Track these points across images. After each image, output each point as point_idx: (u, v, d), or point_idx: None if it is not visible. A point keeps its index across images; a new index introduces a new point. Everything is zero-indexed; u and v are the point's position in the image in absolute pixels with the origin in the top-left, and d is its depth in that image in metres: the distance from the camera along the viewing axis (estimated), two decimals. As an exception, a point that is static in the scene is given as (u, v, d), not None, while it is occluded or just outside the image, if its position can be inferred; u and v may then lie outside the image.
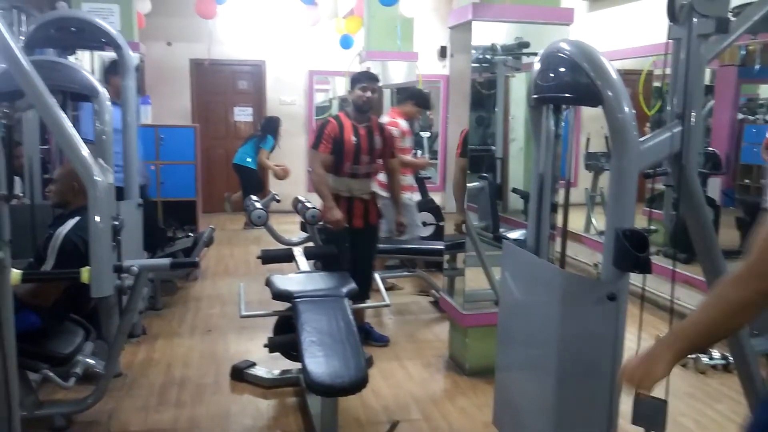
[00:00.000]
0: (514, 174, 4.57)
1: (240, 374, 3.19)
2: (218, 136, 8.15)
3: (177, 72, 7.87)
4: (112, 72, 4.19)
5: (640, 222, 4.44)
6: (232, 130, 8.31)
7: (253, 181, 7.00)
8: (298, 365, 3.01)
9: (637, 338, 2.00)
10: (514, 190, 4.33)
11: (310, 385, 2.34)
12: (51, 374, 2.54)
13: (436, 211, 5.30)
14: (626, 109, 1.89)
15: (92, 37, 3.66)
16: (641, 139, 1.95)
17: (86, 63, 4.79)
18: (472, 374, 3.28)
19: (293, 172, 7.43)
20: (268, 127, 7.15)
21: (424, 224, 5.15)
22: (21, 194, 3.37)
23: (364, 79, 3.59)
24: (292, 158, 7.87)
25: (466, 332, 3.30)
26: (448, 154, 3.82)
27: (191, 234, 4.87)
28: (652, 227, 4.76)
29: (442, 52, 7.78)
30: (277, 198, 4.45)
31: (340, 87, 8.69)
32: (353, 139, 3.49)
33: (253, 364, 3.25)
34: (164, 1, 7.34)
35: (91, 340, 2.83)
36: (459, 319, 3.34)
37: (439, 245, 4.16)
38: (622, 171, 1.93)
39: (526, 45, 3.63)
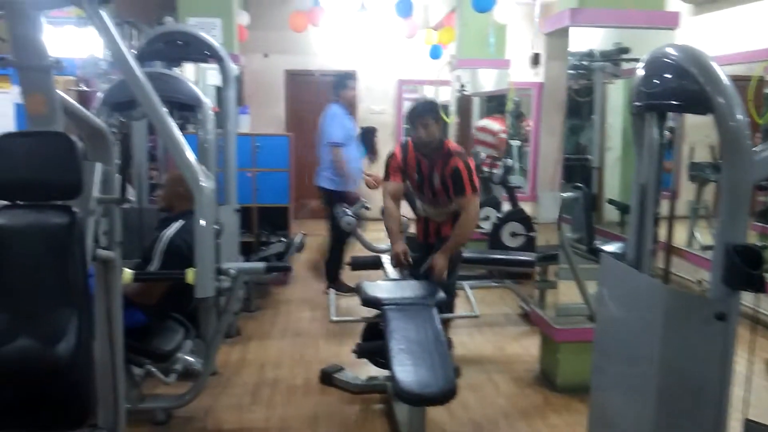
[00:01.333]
0: (610, 184, 4.40)
1: (329, 378, 3.25)
2: (310, 145, 8.34)
3: (272, 82, 8.17)
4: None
5: (751, 238, 4.12)
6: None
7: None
8: (385, 372, 3.02)
9: (748, 361, 1.85)
10: (611, 201, 4.15)
11: (399, 393, 2.33)
12: (154, 369, 2.69)
13: (525, 221, 5.17)
14: (739, 117, 1.76)
15: (197, 50, 3.86)
16: (754, 149, 1.81)
17: (190, 74, 5.07)
18: (564, 391, 3.16)
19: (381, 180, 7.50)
20: (363, 138, 7.27)
21: (513, 235, 5.04)
22: (132, 198, 3.59)
23: (419, 114, 3.22)
24: (381, 166, 7.93)
25: (558, 347, 3.19)
26: (539, 163, 3.72)
27: (283, 239, 5.02)
28: (765, 243, 4.42)
29: (535, 59, 7.61)
30: (367, 205, 4.51)
31: (429, 95, 8.71)
32: (415, 175, 3.33)
33: (342, 369, 3.29)
34: (261, 15, 7.65)
35: (190, 338, 2.97)
36: (551, 333, 3.23)
37: (530, 256, 4.05)
38: (735, 183, 1.80)
39: (626, 50, 3.48)
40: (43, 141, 1.83)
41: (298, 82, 8.22)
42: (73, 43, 5.78)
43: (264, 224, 5.33)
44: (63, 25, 5.74)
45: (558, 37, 3.24)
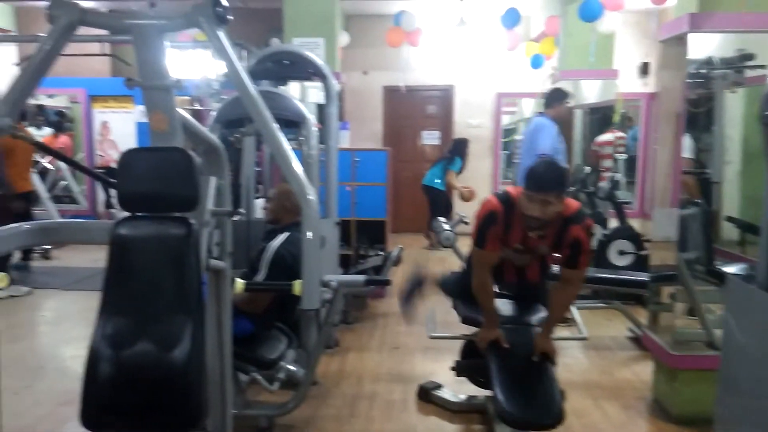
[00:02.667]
0: (729, 200, 4.08)
1: (426, 395, 3.20)
2: (406, 159, 8.42)
3: (371, 99, 8.32)
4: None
5: None
6: (419, 153, 8.56)
7: (441, 202, 7.11)
8: (486, 392, 2.93)
9: None
10: (730, 219, 3.84)
11: (501, 416, 2.26)
12: (259, 377, 2.77)
13: (635, 239, 4.90)
14: None
15: (302, 69, 4.00)
16: None
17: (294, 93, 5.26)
18: (681, 422, 2.93)
19: (479, 194, 7.41)
20: (457, 149, 7.24)
21: (621, 253, 4.79)
22: (242, 211, 3.74)
23: (542, 188, 2.45)
24: (477, 181, 7.87)
25: (674, 375, 2.97)
26: (647, 176, 3.50)
27: (381, 253, 5.05)
28: None
29: (644, 69, 7.26)
30: (465, 220, 4.45)
31: (528, 108, 8.53)
32: (517, 246, 2.69)
33: (440, 386, 3.24)
34: (361, 33, 7.83)
35: (292, 348, 3.04)
36: (666, 359, 3.01)
37: (643, 276, 3.82)
38: None
39: (750, 57, 3.22)
40: (165, 156, 1.94)
41: (395, 97, 8.33)
42: (188, 65, 6.18)
43: (362, 238, 5.40)
44: (180, 48, 6.15)
45: (674, 44, 3.06)
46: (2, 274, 1.73)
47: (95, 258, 6.18)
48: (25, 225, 2.44)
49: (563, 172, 2.60)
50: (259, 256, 2.94)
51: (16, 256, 5.79)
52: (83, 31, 1.96)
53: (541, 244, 2.64)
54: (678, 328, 3.02)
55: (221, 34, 1.82)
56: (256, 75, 4.00)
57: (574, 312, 3.18)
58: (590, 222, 2.66)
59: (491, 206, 2.62)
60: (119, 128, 8.30)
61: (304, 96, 5.25)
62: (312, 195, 1.81)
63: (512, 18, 6.49)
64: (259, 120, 1.85)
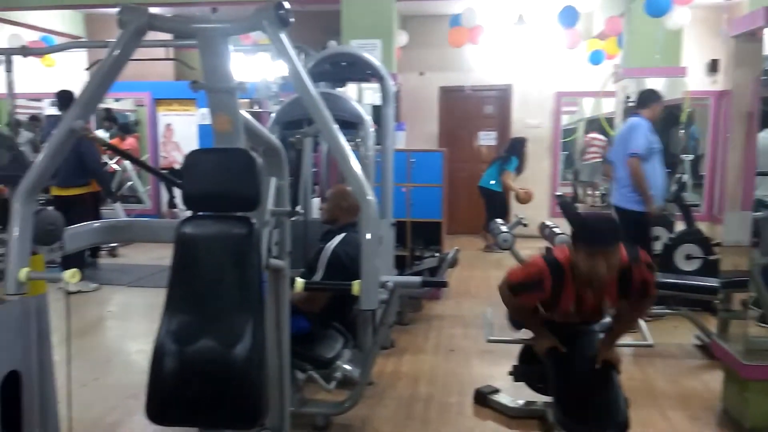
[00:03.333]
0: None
1: (483, 399, 3.16)
2: (462, 160, 8.35)
3: (427, 99, 8.29)
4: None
5: None
6: (475, 153, 8.47)
7: (498, 203, 7.01)
8: (545, 398, 2.87)
9: None
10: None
11: (562, 424, 2.20)
12: (316, 375, 2.80)
13: (703, 243, 4.69)
14: None
15: (360, 70, 4.02)
16: None
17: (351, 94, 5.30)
18: (753, 435, 2.79)
19: (536, 195, 7.27)
20: (513, 149, 7.12)
21: (689, 258, 4.59)
22: (301, 211, 3.76)
23: (600, 243, 2.28)
24: (536, 182, 7.73)
25: (746, 385, 2.82)
26: (715, 178, 3.34)
27: (436, 254, 5.03)
28: None
29: (712, 66, 6.96)
30: (524, 222, 4.37)
31: (588, 107, 8.32)
32: (571, 307, 2.52)
33: (497, 390, 3.19)
34: (419, 34, 7.82)
35: (348, 347, 3.06)
36: (737, 369, 2.87)
37: (712, 282, 3.65)
38: None
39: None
40: (228, 157, 1.98)
41: (452, 98, 8.27)
42: (248, 68, 6.32)
43: (417, 239, 5.39)
44: (241, 52, 6.29)
45: (747, 40, 2.91)
46: (75, 269, 1.80)
47: (159, 256, 6.42)
48: (96, 223, 2.55)
49: (615, 221, 2.48)
50: (316, 256, 2.97)
51: (85, 253, 6.06)
52: (150, 36, 2.03)
53: (604, 299, 2.47)
54: (750, 336, 2.88)
55: (283, 37, 1.84)
56: (314, 77, 4.01)
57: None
58: (645, 254, 2.46)
59: (539, 273, 2.42)
60: (182, 130, 8.58)
61: (360, 97, 5.28)
62: (371, 196, 1.81)
63: (570, 16, 6.35)
64: (320, 121, 1.86)
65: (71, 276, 1.77)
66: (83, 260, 5.50)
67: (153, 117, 8.56)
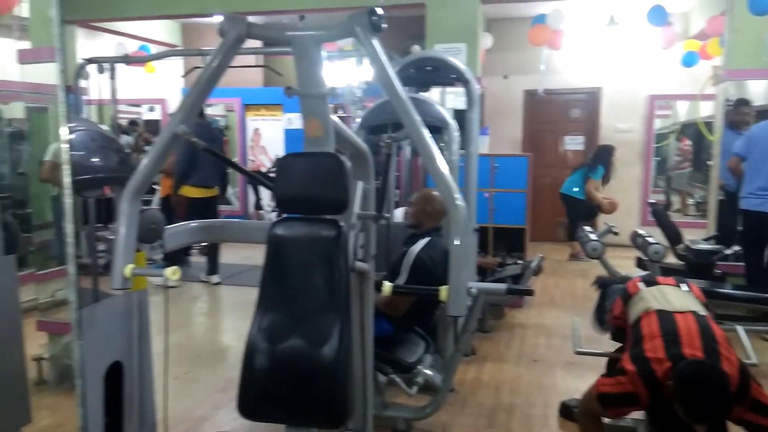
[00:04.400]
0: None
1: (569, 412, 3.05)
2: (547, 165, 8.15)
3: (511, 103, 8.15)
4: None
5: None
6: (560, 158, 8.24)
7: (580, 211, 6.78)
8: (635, 413, 2.73)
9: None
10: None
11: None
12: (398, 379, 2.80)
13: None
14: None
15: (444, 74, 4.01)
16: None
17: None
18: None
19: (627, 203, 6.99)
20: (600, 157, 6.87)
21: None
22: (387, 215, 3.78)
23: (696, 417, 1.97)
24: (626, 189, 7.43)
25: None
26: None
27: (519, 261, 4.92)
28: None
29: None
30: (615, 230, 4.20)
31: (683, 111, 7.91)
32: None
33: (583, 404, 3.07)
34: (502, 37, 7.70)
35: (430, 352, 3.05)
36: None
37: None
38: None
39: None
40: (319, 161, 2.02)
41: (536, 102, 8.09)
42: (333, 74, 6.44)
43: (499, 245, 5.30)
44: (328, 59, 6.41)
45: None
46: (175, 267, 1.90)
47: (247, 255, 6.66)
48: (193, 223, 2.68)
49: (725, 381, 1.97)
50: (399, 260, 2.98)
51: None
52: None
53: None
54: None
55: (375, 43, 1.86)
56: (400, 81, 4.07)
57: (742, 335, 2.88)
58: (756, 386, 2.10)
59: (633, 388, 2.09)
60: (269, 135, 8.87)
61: (443, 101, 5.26)
62: (460, 200, 1.80)
63: (659, 16, 6.06)
64: (410, 125, 1.87)
65: (172, 273, 1.86)
66: (181, 257, 5.82)
67: (242, 122, 8.90)
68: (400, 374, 2.83)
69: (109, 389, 2.16)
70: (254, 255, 6.88)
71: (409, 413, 2.90)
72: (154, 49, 7.75)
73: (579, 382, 3.42)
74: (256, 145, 9.02)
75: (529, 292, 2.91)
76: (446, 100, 5.41)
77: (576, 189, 6.82)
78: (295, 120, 8.60)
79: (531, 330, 4.46)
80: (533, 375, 3.64)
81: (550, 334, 4.35)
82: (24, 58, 3.42)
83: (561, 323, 4.54)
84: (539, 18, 6.66)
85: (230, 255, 6.94)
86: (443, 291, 1.81)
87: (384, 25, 1.87)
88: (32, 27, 3.78)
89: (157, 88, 8.44)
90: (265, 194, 8.77)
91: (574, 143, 8.13)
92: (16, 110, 5.03)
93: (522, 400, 3.29)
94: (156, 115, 8.88)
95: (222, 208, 8.41)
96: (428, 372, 2.87)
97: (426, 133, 1.86)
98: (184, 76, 8.27)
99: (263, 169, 8.44)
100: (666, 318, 2.29)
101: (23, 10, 4.51)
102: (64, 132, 1.77)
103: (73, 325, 1.87)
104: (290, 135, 8.58)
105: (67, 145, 1.70)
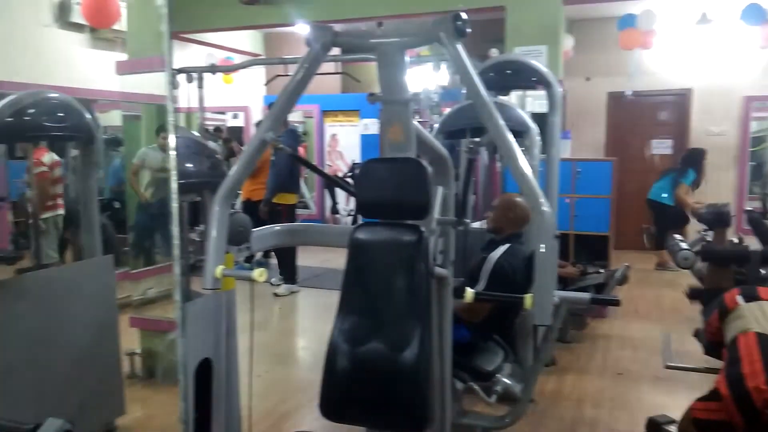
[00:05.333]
0: None
1: (657, 429, 2.91)
2: (632, 170, 7.82)
3: (593, 106, 7.90)
4: None
5: None
6: (647, 163, 7.89)
7: (668, 218, 6.47)
8: None
9: None
10: None
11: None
12: (476, 387, 2.76)
13: None
14: None
15: (525, 78, 3.93)
16: None
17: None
18: None
19: (719, 210, 6.58)
20: (690, 160, 6.53)
21: None
22: (468, 221, 3.74)
23: None
24: (718, 195, 7.00)
25: None
26: None
27: (601, 270, 4.75)
28: None
29: None
30: (708, 238, 3.97)
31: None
32: None
33: (674, 421, 2.92)
34: (586, 38, 7.48)
35: (509, 361, 2.99)
36: None
37: None
38: None
39: None
40: (401, 166, 2.03)
41: (621, 104, 7.80)
42: (411, 80, 6.46)
43: (580, 253, 5.13)
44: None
45: None
46: (262, 269, 1.96)
47: (325, 259, 6.79)
48: (277, 227, 2.75)
49: None
50: (478, 266, 2.94)
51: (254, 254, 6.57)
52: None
53: None
54: None
55: (459, 48, 1.85)
56: (479, 86, 4.03)
57: None
58: None
59: (727, 416, 1.93)
60: (345, 140, 9.02)
61: (522, 105, 5.16)
62: (547, 207, 1.75)
63: (755, 14, 5.70)
64: (495, 130, 1.84)
65: (259, 275, 1.92)
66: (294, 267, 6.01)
67: (320, 128, 9.09)
68: (479, 382, 2.80)
69: (197, 385, 2.26)
70: (332, 258, 7.05)
71: (488, 422, 2.86)
72: (238, 59, 8.06)
73: (668, 399, 3.27)
74: (333, 150, 9.19)
75: (616, 302, 2.80)
76: (526, 103, 5.31)
77: (665, 195, 6.51)
78: (371, 125, 8.70)
79: (615, 341, 4.29)
80: (618, 389, 3.50)
81: (636, 346, 4.17)
82: (121, 69, 3.63)
83: (647, 335, 4.35)
84: (626, 19, 6.42)
85: (309, 258, 7.10)
86: (528, 299, 1.77)
87: (468, 30, 1.85)
88: (129, 40, 4.00)
89: (240, 96, 8.76)
90: (341, 198, 8.93)
91: (661, 147, 7.76)
92: (114, 118, 5.36)
93: (606, 414, 3.17)
94: (239, 122, 9.21)
95: (299, 212, 8.64)
96: (507, 381, 2.82)
97: (511, 138, 1.83)
98: (266, 84, 8.55)
99: (340, 174, 8.59)
100: (767, 342, 2.12)
101: (121, 24, 4.82)
102: (172, 141, 1.86)
103: (177, 322, 1.96)
104: (366, 140, 8.69)
105: (174, 153, 1.78)
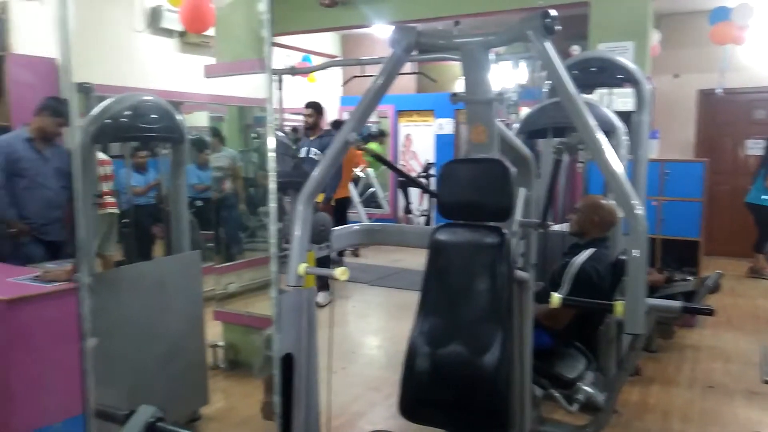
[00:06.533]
0: None
1: (753, 448, 2.74)
2: (724, 172, 7.39)
3: (682, 104, 7.52)
4: None
5: None
6: (741, 164, 7.42)
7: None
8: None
9: None
10: None
11: None
12: (557, 395, 2.69)
13: None
14: None
15: (610, 75, 3.79)
16: None
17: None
18: None
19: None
20: None
21: None
22: (551, 223, 3.63)
23: None
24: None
25: None
26: None
27: (690, 277, 4.51)
28: None
29: None
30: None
31: None
32: None
33: (771, 441, 2.74)
34: (674, 33, 7.14)
35: (591, 369, 2.88)
36: None
37: None
38: None
39: None
40: (484, 167, 2.00)
41: (713, 102, 7.37)
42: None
43: (668, 259, 4.90)
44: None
45: None
46: (344, 268, 1.98)
47: (396, 259, 6.81)
48: (356, 226, 2.78)
49: None
50: (560, 270, 2.86)
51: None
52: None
53: None
54: None
55: (548, 45, 1.81)
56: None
57: None
58: None
59: None
60: (420, 140, 9.01)
61: (608, 104, 4.98)
62: (640, 209, 1.68)
63: None
64: (584, 129, 1.78)
65: (341, 273, 1.94)
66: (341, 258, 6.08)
67: (395, 128, 9.12)
68: (560, 389, 2.72)
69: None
70: (402, 258, 7.07)
71: (569, 431, 2.77)
72: (315, 60, 8.21)
73: (763, 415, 3.07)
74: (407, 150, 9.19)
75: (709, 312, 2.65)
76: (612, 102, 5.12)
77: (765, 197, 6.08)
78: (446, 125, 8.66)
79: (704, 353, 4.06)
80: (708, 402, 3.31)
81: (728, 358, 3.93)
82: (210, 72, 3.77)
83: (741, 347, 4.10)
84: (718, 12, 6.07)
85: (380, 258, 7.16)
86: (618, 306, 1.70)
87: (558, 27, 1.80)
88: (218, 44, 4.16)
89: (317, 97, 8.91)
90: (415, 198, 8.93)
91: (757, 147, 7.28)
92: (196, 119, 5.58)
93: (695, 429, 3.01)
94: (316, 123, 9.37)
95: (372, 211, 8.69)
96: (590, 389, 2.73)
97: (602, 137, 1.76)
98: (343, 85, 8.67)
99: (413, 174, 8.59)
100: None
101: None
102: (271, 142, 1.90)
103: (273, 318, 2.01)
104: (441, 140, 8.65)
105: (274, 153, 1.83)
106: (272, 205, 1.78)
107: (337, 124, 6.96)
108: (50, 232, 3.66)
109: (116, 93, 3.01)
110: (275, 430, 2.11)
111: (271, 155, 1.80)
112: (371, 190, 8.80)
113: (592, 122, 1.77)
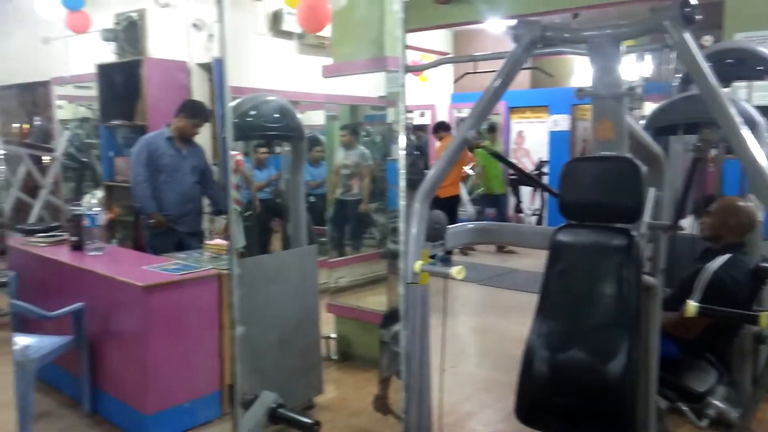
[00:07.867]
0: None
1: None
2: None
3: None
4: None
5: None
6: None
7: None
8: None
9: None
10: None
11: None
12: (686, 409, 2.52)
13: None
14: None
15: (750, 67, 3.50)
16: None
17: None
18: None
19: None
20: None
21: None
22: (684, 227, 3.41)
23: None
24: None
25: None
26: None
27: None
28: None
29: None
30: None
31: None
32: None
33: None
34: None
35: (722, 384, 2.68)
36: None
37: None
38: None
39: None
40: (611, 166, 1.91)
41: None
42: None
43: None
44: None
45: None
46: (461, 266, 1.96)
47: (503, 258, 6.68)
48: (470, 224, 2.76)
49: None
50: (692, 277, 2.67)
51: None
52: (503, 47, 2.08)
53: None
54: None
55: (687, 36, 1.69)
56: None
57: None
58: None
59: None
60: (532, 137, 8.77)
61: (749, 98, 4.60)
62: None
63: None
64: (727, 125, 1.65)
65: (458, 272, 1.93)
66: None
67: (507, 124, 8.94)
68: (687, 403, 2.55)
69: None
70: (510, 258, 6.92)
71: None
72: (426, 57, 8.22)
73: None
74: (519, 147, 8.98)
75: None
76: (752, 96, 4.71)
77: None
78: (561, 122, 8.36)
79: None
80: None
81: None
82: (327, 72, 3.88)
83: None
84: None
85: (488, 258, 7.06)
86: (764, 318, 1.56)
87: (699, 17, 1.68)
88: (334, 44, 4.27)
89: (428, 95, 8.93)
90: (526, 197, 8.71)
91: None
92: (317, 118, 5.77)
93: None
94: (425, 120, 9.39)
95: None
96: (721, 405, 2.53)
97: (747, 134, 1.63)
98: (455, 82, 8.63)
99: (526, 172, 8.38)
100: None
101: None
102: (402, 141, 1.94)
103: (401, 315, 2.05)
104: (555, 137, 8.36)
105: (404, 152, 1.85)
106: (402, 203, 1.81)
107: (439, 127, 6.93)
108: (183, 223, 3.95)
109: (243, 94, 3.19)
110: (389, 423, 2.14)
111: (402, 153, 1.82)
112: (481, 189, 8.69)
113: (737, 117, 1.64)
